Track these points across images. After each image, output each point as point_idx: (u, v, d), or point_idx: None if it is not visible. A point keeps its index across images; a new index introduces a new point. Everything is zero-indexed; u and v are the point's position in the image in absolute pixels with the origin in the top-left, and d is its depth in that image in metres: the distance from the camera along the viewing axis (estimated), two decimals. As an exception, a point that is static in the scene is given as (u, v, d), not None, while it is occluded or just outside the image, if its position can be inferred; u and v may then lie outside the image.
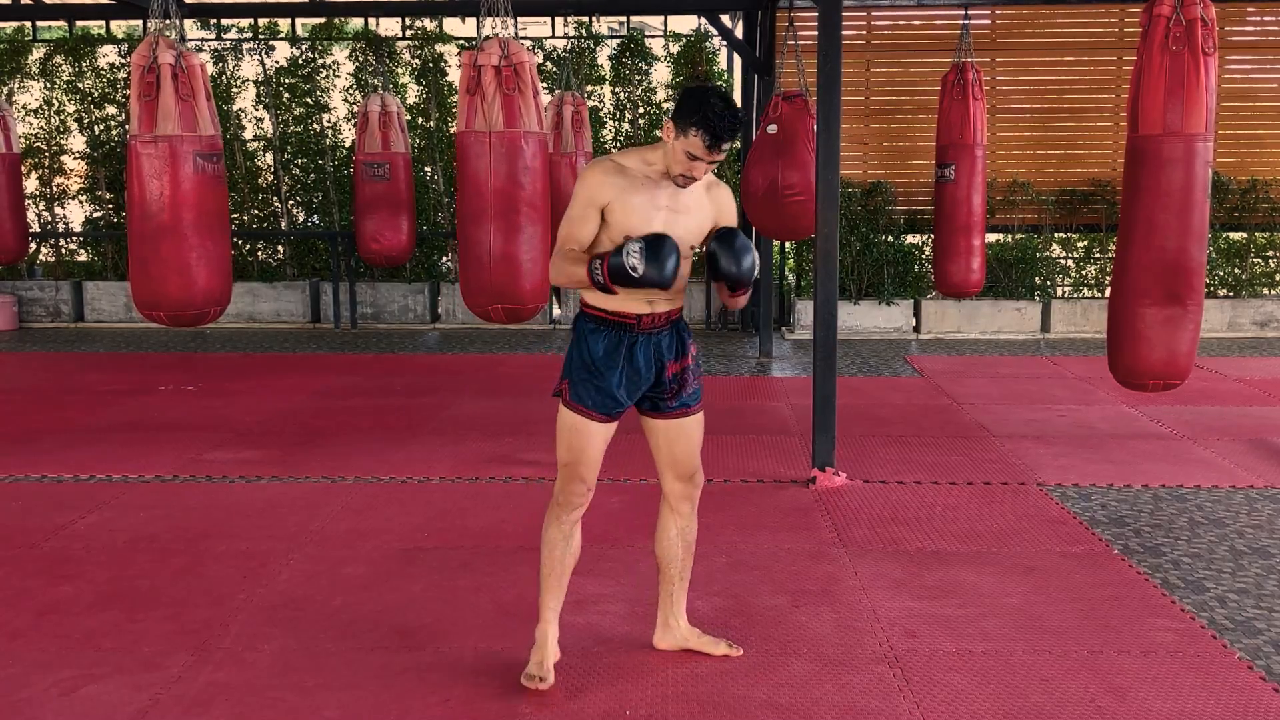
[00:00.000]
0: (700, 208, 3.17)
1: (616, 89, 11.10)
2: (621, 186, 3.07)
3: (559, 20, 11.03)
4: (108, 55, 11.34)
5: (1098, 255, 10.89)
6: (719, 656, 3.40)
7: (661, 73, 11.16)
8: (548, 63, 11.04)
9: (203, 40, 11.22)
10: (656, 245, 2.94)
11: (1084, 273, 11.02)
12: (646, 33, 11.39)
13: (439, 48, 11.13)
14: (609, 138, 11.15)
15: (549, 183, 5.54)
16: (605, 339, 3.16)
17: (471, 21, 10.16)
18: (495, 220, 5.22)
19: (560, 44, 11.12)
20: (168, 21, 5.36)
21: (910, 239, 10.74)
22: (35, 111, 11.33)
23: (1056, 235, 10.84)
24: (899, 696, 3.18)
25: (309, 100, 11.27)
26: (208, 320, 5.49)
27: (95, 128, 11.31)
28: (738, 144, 9.91)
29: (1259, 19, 10.46)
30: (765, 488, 5.31)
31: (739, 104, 10.31)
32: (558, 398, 3.23)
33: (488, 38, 5.25)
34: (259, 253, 11.60)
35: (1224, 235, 10.60)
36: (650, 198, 3.10)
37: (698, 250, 3.26)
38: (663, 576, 3.40)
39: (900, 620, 3.72)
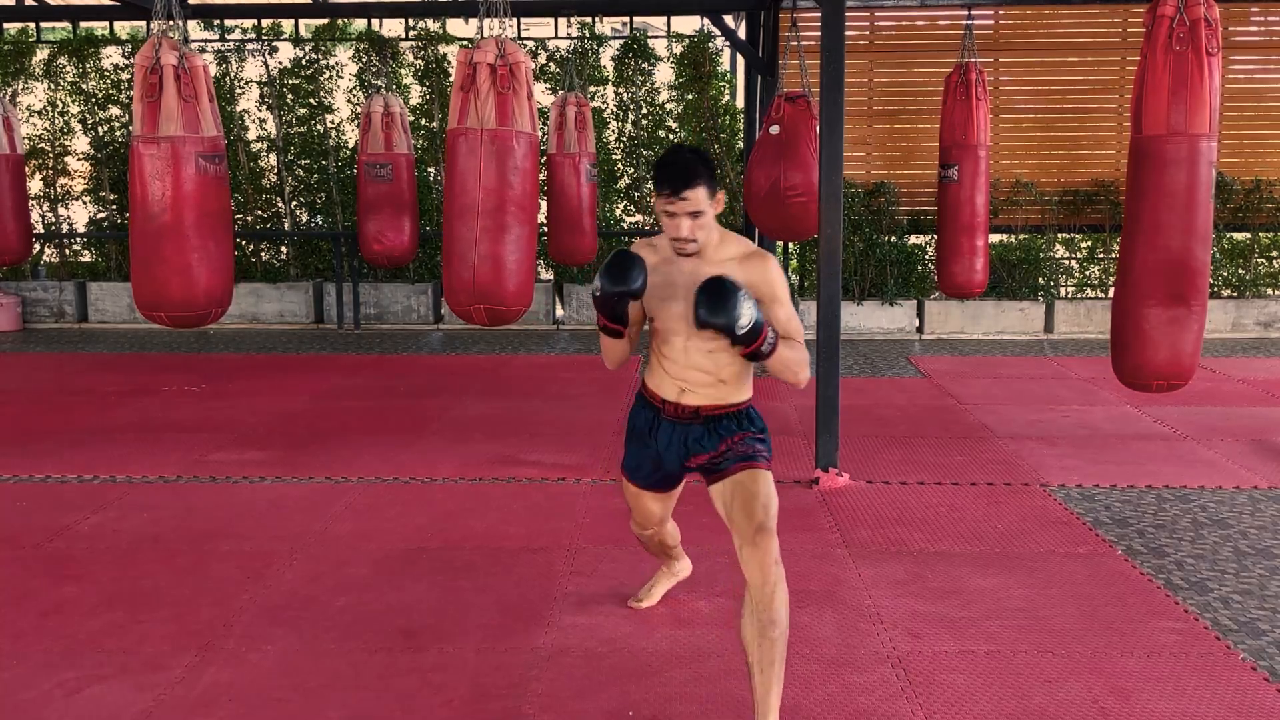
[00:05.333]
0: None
1: (619, 89, 11.11)
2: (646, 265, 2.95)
3: (562, 21, 11.04)
4: (111, 56, 11.36)
5: (1101, 256, 10.89)
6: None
7: (665, 73, 11.16)
8: (550, 63, 11.06)
9: (206, 41, 11.25)
10: (617, 260, 2.84)
11: (1087, 273, 11.02)
12: (649, 33, 11.40)
13: (442, 48, 11.14)
14: (612, 138, 11.16)
15: (538, 184, 5.47)
16: (640, 415, 3.26)
17: (474, 22, 10.17)
18: (482, 219, 5.11)
19: (563, 45, 11.13)
20: (171, 23, 5.36)
21: (913, 239, 10.75)
22: (39, 112, 11.36)
23: (1060, 236, 10.84)
24: (902, 697, 3.18)
25: (312, 101, 11.29)
26: (209, 321, 5.48)
27: (99, 129, 11.33)
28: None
29: (1263, 19, 10.45)
30: (768, 488, 5.30)
31: (741, 103, 10.45)
32: None
33: (487, 38, 5.24)
34: (262, 253, 11.61)
35: (1228, 236, 10.59)
36: (667, 277, 3.01)
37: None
38: (748, 664, 2.91)
39: (903, 621, 3.72)
